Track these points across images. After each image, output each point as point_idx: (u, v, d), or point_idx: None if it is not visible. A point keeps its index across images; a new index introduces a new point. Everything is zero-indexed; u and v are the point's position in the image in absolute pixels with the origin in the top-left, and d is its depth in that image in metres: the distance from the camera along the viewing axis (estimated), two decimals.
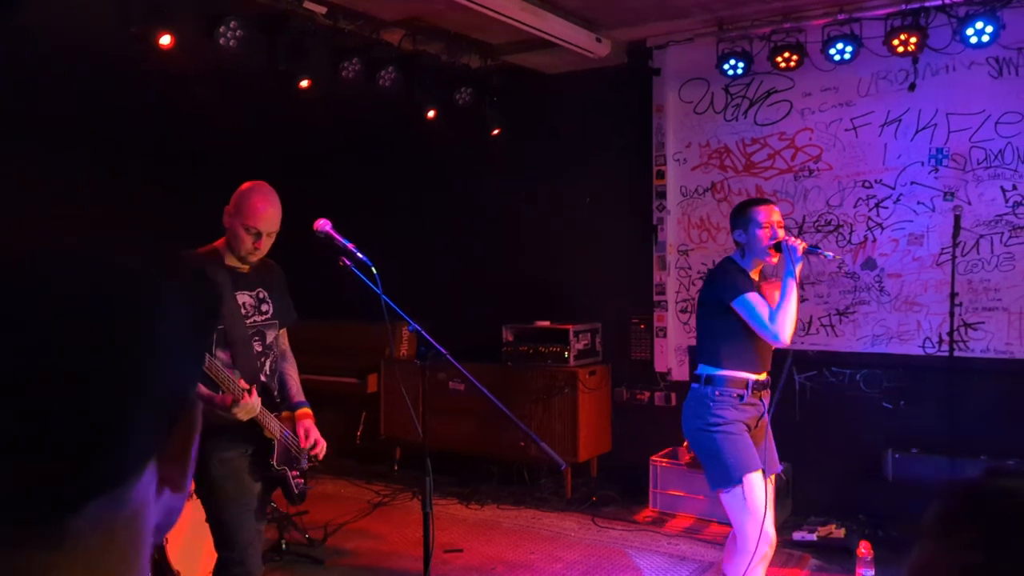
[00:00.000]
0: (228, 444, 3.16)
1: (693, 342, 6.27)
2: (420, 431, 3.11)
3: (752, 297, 3.61)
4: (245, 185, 3.23)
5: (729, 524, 3.83)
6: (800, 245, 3.64)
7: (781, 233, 3.72)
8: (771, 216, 3.72)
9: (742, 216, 3.78)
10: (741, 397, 3.67)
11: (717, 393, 3.68)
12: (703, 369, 3.77)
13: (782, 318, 3.57)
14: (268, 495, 3.38)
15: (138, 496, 0.70)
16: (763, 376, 3.76)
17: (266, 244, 3.22)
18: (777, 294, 3.69)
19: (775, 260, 3.76)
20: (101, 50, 5.36)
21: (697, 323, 3.96)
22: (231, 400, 3.01)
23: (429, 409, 3.29)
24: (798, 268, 3.62)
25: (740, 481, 3.55)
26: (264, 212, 3.16)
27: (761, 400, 3.74)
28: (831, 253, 3.91)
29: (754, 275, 3.79)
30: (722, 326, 3.71)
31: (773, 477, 3.84)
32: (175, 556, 4.43)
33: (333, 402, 6.94)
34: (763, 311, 3.60)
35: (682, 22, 6.13)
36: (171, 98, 6.56)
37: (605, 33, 6.27)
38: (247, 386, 3.09)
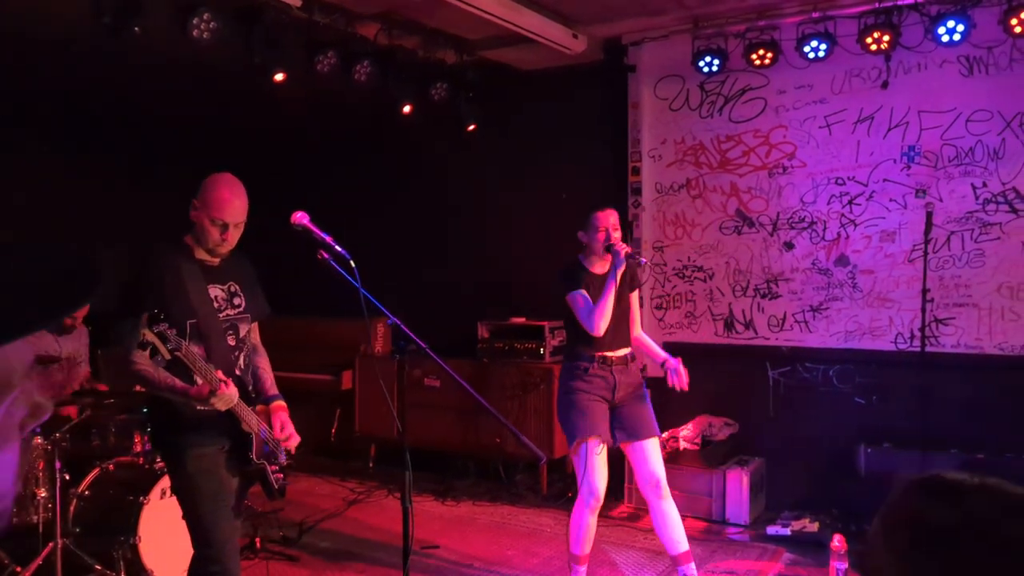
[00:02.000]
0: (204, 439, 3.12)
1: (668, 339, 6.31)
2: (400, 426, 3.09)
3: (576, 295, 4.28)
4: (211, 177, 3.20)
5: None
6: (623, 250, 4.22)
7: (615, 235, 4.28)
8: (608, 220, 4.29)
9: (586, 220, 4.36)
10: (586, 370, 4.28)
11: (567, 367, 4.37)
12: (565, 350, 4.53)
13: (596, 314, 4.21)
14: (245, 491, 3.34)
15: None
16: (611, 352, 4.32)
17: (233, 235, 3.19)
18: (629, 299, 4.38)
19: (609, 258, 4.31)
20: (70, 40, 5.29)
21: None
22: (208, 390, 2.97)
23: (405, 405, 3.26)
24: (619, 271, 4.24)
25: (581, 441, 4.20)
26: (229, 203, 3.13)
27: (612, 373, 4.29)
28: (644, 259, 4.48)
29: (599, 270, 4.36)
30: (568, 313, 4.36)
31: (654, 440, 4.34)
32: (148, 555, 4.38)
33: (307, 399, 6.87)
34: (583, 306, 4.25)
35: (658, 19, 6.15)
36: (142, 91, 6.49)
37: (581, 29, 6.27)
38: (224, 377, 3.05)
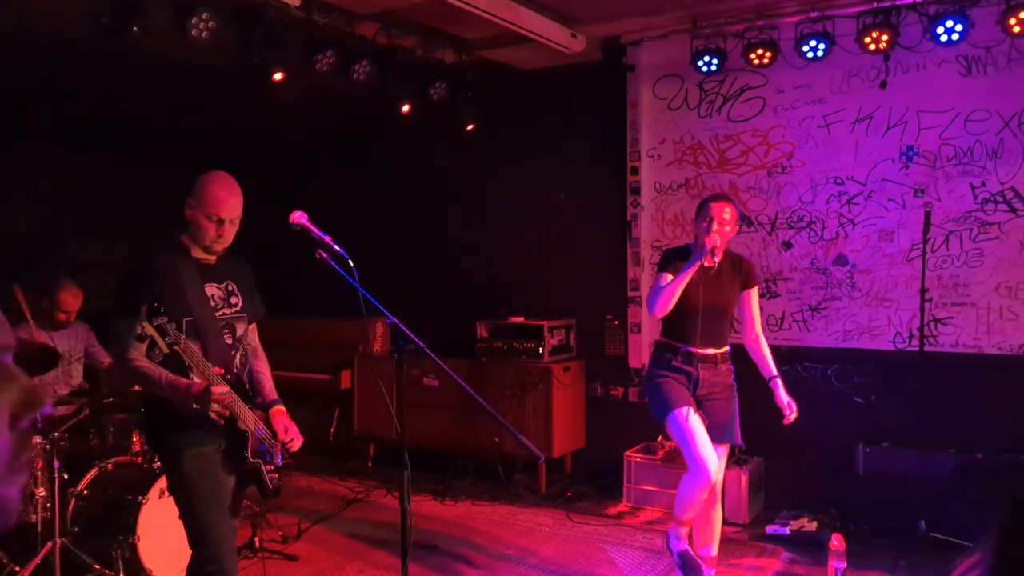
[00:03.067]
0: (201, 439, 3.12)
1: None
2: (398, 425, 3.09)
3: (660, 275, 4.19)
4: (205, 175, 3.21)
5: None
6: (709, 244, 4.07)
7: (723, 229, 4.14)
8: (719, 211, 4.16)
9: (699, 208, 4.29)
10: (669, 361, 4.23)
11: (655, 355, 4.36)
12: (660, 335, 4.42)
13: (655, 294, 4.13)
14: (243, 491, 3.34)
15: None
16: (698, 348, 4.21)
17: (229, 232, 3.19)
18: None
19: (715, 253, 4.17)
20: (70, 40, 5.29)
21: None
22: (205, 385, 2.98)
23: (404, 405, 3.26)
24: (698, 262, 4.06)
25: (672, 411, 4.14)
26: (225, 199, 3.14)
27: (696, 369, 4.20)
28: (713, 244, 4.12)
29: (705, 261, 4.13)
30: None
31: (734, 448, 4.35)
32: (147, 554, 4.38)
33: (306, 399, 6.89)
34: (654, 286, 4.18)
35: (656, 18, 6.15)
36: (140, 91, 6.49)
37: (580, 29, 6.27)
38: (221, 370, 3.06)
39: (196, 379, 3.03)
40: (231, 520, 3.24)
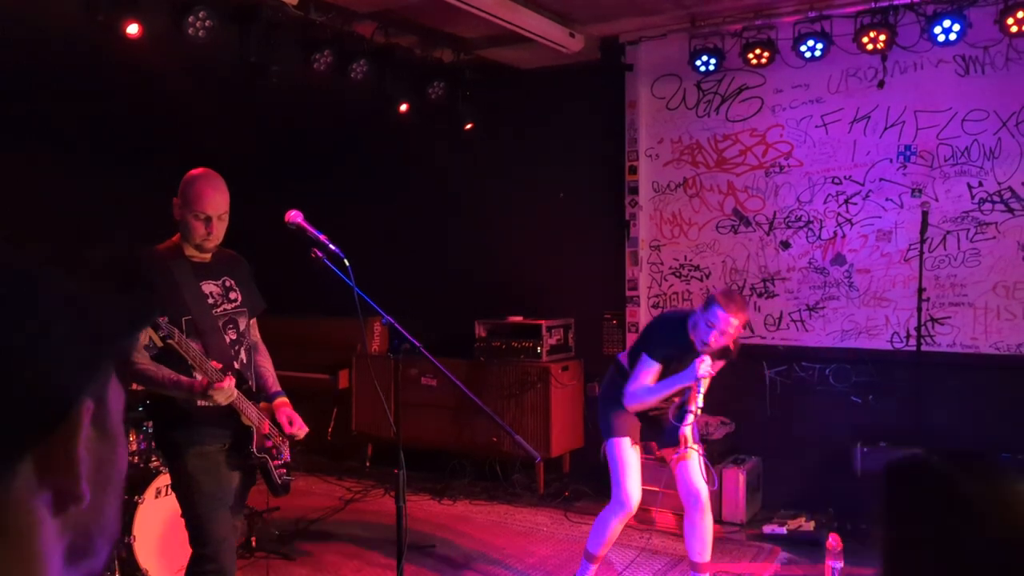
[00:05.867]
0: (206, 436, 3.13)
1: None
2: (394, 425, 3.09)
3: (650, 365, 4.07)
4: (189, 174, 3.22)
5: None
6: (703, 384, 3.92)
7: (713, 335, 3.92)
8: (727, 325, 3.91)
9: (708, 303, 3.99)
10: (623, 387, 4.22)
11: (616, 374, 4.33)
12: (627, 359, 4.33)
13: (634, 394, 4.09)
14: (247, 489, 3.35)
15: (12, 514, 0.63)
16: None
17: (218, 228, 3.20)
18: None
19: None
20: (64, 38, 5.28)
21: (643, 328, 4.48)
22: (207, 382, 2.98)
23: (401, 404, 3.26)
24: (683, 385, 4.01)
25: (616, 437, 4.23)
26: (210, 196, 3.16)
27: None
28: (691, 412, 4.04)
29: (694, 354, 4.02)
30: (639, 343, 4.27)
31: (692, 452, 4.22)
32: (142, 554, 4.37)
33: (304, 398, 6.76)
34: (640, 380, 4.08)
35: (655, 18, 6.15)
36: (138, 90, 6.48)
37: (578, 28, 6.27)
38: (220, 365, 3.06)
39: (198, 376, 3.03)
40: (233, 520, 3.25)
